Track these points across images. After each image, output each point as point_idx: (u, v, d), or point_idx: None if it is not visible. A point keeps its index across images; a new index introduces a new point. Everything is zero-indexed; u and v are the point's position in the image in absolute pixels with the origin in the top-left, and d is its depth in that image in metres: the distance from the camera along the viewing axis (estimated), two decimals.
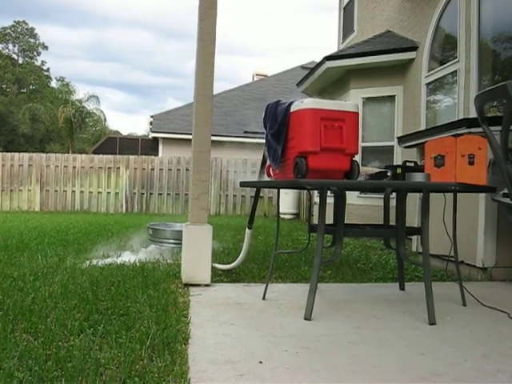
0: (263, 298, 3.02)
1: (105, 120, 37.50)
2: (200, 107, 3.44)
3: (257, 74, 23.82)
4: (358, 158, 3.02)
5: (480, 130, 3.21)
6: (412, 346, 2.17)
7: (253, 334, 2.31)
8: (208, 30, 3.43)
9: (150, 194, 13.33)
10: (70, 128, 29.88)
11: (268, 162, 3.26)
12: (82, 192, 13.18)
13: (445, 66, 5.95)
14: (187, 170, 12.86)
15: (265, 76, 22.60)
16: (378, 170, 3.31)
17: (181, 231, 3.67)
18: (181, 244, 3.50)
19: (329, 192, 2.85)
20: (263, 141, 3.27)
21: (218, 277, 3.57)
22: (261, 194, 4.01)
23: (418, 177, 2.78)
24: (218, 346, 2.11)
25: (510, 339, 2.34)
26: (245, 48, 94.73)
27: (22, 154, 13.36)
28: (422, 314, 2.57)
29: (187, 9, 78.43)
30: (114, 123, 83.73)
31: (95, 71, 76.86)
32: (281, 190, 3.67)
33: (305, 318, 2.54)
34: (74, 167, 13.19)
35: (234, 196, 13.35)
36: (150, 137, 18.12)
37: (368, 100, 7.55)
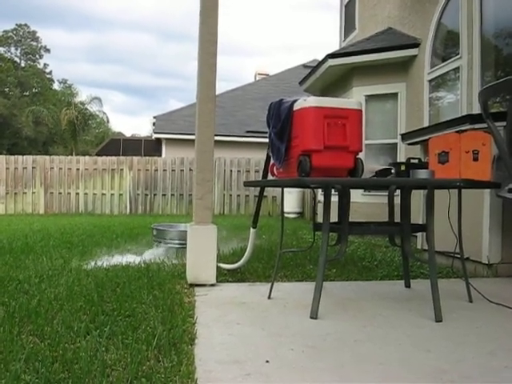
0: (269, 297, 3.01)
1: (108, 122, 37.70)
2: (203, 107, 3.44)
3: (259, 74, 23.81)
4: (361, 155, 3.01)
5: (483, 125, 3.20)
6: (418, 344, 2.16)
7: (259, 333, 2.31)
8: (209, 31, 3.43)
9: (154, 194, 13.35)
10: (73, 130, 29.97)
11: (272, 161, 3.25)
12: (85, 194, 13.21)
13: (447, 62, 5.93)
14: (191, 170, 12.87)
15: (267, 75, 22.60)
16: (382, 167, 3.30)
17: (185, 231, 3.67)
18: (185, 244, 3.50)
19: (333, 190, 2.84)
20: (266, 140, 3.27)
21: (223, 276, 3.57)
22: (265, 194, 4.01)
23: (423, 173, 2.77)
24: (225, 345, 2.11)
25: None
26: (246, 48, 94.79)
27: (25, 156, 13.41)
28: (428, 312, 2.56)
29: (188, 10, 78.60)
30: (117, 125, 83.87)
31: (97, 74, 77.07)
32: (284, 189, 3.67)
33: (311, 317, 2.54)
34: (78, 169, 13.23)
35: (238, 196, 13.35)
36: (153, 138, 18.14)
37: (371, 97, 7.52)
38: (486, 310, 2.77)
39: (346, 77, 7.88)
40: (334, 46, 10.70)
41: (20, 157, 13.32)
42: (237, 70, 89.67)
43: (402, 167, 3.06)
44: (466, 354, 2.04)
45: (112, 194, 13.29)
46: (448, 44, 6.21)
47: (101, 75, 78.67)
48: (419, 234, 4.80)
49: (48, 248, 5.09)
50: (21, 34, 44.95)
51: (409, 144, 5.11)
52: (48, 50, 46.32)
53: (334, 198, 2.71)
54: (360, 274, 3.85)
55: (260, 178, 3.85)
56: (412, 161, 3.26)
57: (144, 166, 13.34)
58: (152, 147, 19.43)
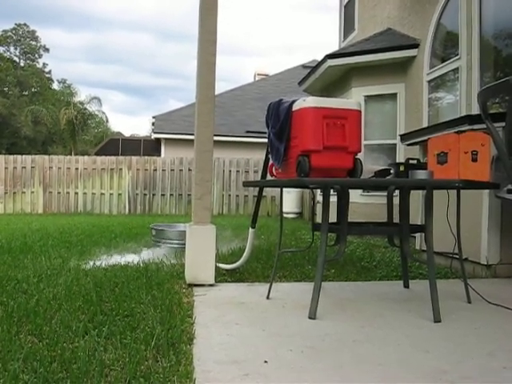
0: (267, 298, 3.01)
1: (107, 121, 37.67)
2: (202, 107, 3.44)
3: (258, 74, 23.84)
4: (360, 156, 3.01)
5: (482, 126, 3.20)
6: (417, 344, 2.16)
7: (257, 333, 2.30)
8: (209, 30, 3.43)
9: (153, 194, 13.34)
10: (72, 130, 29.97)
11: (271, 161, 3.25)
12: (84, 194, 13.20)
13: (446, 63, 5.93)
14: (189, 170, 12.86)
15: (266, 75, 22.62)
16: (381, 167, 3.30)
17: (184, 231, 3.67)
18: (184, 244, 3.49)
19: (332, 190, 2.84)
20: (265, 140, 3.26)
21: (221, 276, 3.57)
22: (264, 194, 4.01)
23: (421, 174, 2.77)
24: (223, 345, 2.11)
25: None
26: (245, 48, 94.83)
27: (24, 156, 13.40)
28: (427, 312, 2.56)
29: (187, 10, 78.58)
30: (116, 125, 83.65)
31: (97, 73, 77.12)
32: (283, 189, 3.66)
33: (309, 317, 2.53)
34: (77, 169, 13.22)
35: (237, 196, 13.35)
36: (152, 138, 18.14)
37: (370, 98, 7.53)
38: (484, 311, 2.77)
39: (345, 77, 7.88)
40: (334, 47, 10.71)
41: (19, 156, 13.31)
42: (236, 70, 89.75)
43: (401, 168, 3.06)
44: (465, 354, 2.04)
45: (111, 194, 13.28)
46: (447, 45, 6.22)
47: (100, 75, 78.77)
48: (418, 235, 4.80)
49: (47, 247, 5.08)
50: (20, 33, 44.89)
51: (408, 144, 5.11)
52: (47, 50, 46.31)
53: (333, 199, 2.71)
54: (359, 274, 3.85)
55: (259, 178, 3.85)
56: (411, 161, 3.26)
57: (143, 165, 13.33)
58: (151, 147, 19.43)
